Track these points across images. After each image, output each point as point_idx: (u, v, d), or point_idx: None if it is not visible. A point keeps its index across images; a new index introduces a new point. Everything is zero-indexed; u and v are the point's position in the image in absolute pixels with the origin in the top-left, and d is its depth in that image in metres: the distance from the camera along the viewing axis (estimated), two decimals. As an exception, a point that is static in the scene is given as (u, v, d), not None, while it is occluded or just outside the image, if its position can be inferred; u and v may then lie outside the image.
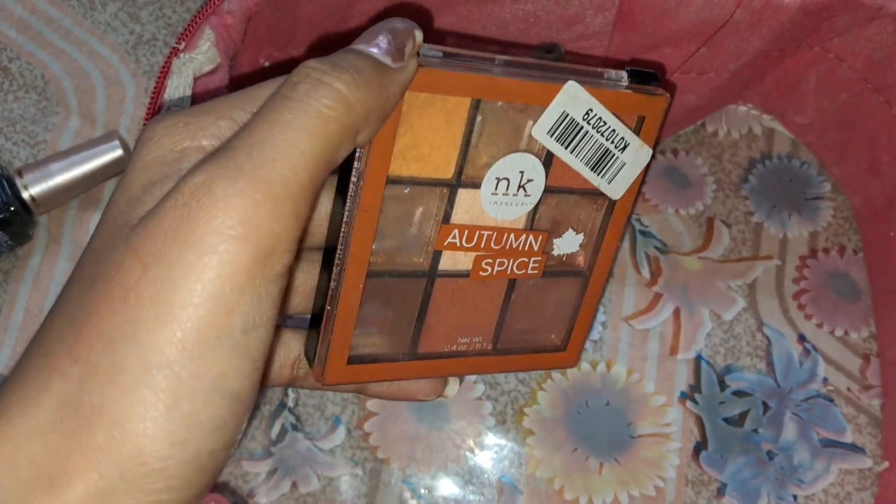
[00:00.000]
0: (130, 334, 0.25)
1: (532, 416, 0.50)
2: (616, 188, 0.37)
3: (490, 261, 0.36)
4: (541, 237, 0.37)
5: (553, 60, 0.47)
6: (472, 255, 0.36)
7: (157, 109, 0.42)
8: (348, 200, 0.32)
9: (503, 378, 0.50)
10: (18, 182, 0.50)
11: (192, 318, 0.25)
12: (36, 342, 0.27)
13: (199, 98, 0.42)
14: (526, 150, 0.35)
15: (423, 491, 0.48)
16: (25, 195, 0.50)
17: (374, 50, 0.29)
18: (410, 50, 0.30)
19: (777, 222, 0.53)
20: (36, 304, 0.51)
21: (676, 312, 0.51)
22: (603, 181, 0.36)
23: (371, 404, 0.50)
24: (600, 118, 0.35)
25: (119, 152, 0.51)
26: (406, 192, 0.34)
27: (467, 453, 0.49)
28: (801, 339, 0.51)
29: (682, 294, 0.52)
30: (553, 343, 0.40)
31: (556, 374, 0.50)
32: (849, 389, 0.51)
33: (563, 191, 0.36)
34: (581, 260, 0.39)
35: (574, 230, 0.38)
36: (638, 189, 0.38)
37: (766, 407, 0.50)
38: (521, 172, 0.35)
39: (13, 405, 0.26)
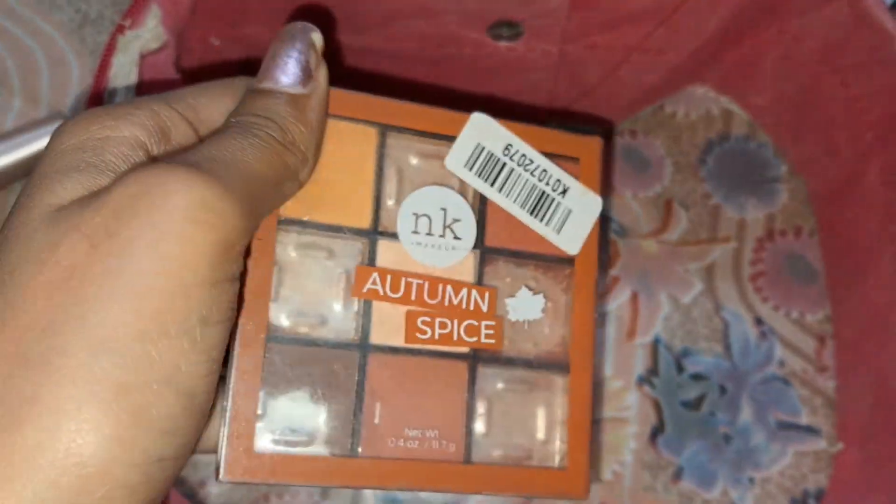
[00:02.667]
0: (75, 315, 0.23)
1: (489, 401, 0.49)
2: (569, 241, 0.34)
3: (427, 319, 0.32)
4: (487, 293, 0.33)
5: (510, 39, 0.47)
6: (403, 309, 0.32)
7: (102, 88, 0.41)
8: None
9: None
10: (-41, 164, 0.49)
11: (148, 299, 0.23)
12: None
13: (145, 75, 0.41)
14: (444, 185, 0.33)
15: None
16: (-34, 178, 0.49)
17: (285, 84, 0.29)
18: (315, 61, 0.30)
19: (734, 204, 0.53)
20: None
21: (634, 296, 0.51)
22: (549, 230, 0.34)
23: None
24: (524, 155, 0.33)
25: (64, 133, 0.50)
26: (310, 239, 0.31)
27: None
28: (758, 321, 0.51)
29: (640, 278, 0.51)
30: (548, 458, 0.34)
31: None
32: (804, 371, 0.51)
33: (508, 249, 0.34)
34: (556, 347, 0.34)
35: (530, 289, 0.34)
36: (598, 249, 0.35)
37: (722, 390, 0.50)
38: (444, 210, 0.33)
39: None
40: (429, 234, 0.32)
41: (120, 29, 0.41)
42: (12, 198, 0.51)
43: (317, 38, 0.30)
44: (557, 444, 0.33)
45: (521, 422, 0.33)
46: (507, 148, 0.33)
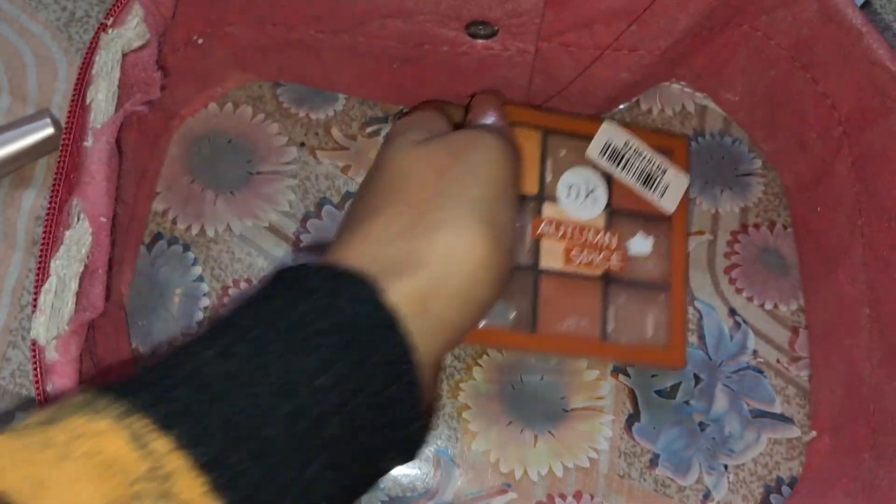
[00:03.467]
0: (449, 191, 0.38)
1: (467, 391, 0.50)
2: (668, 203, 0.51)
3: (577, 251, 0.49)
4: (616, 235, 0.50)
5: (486, 38, 0.48)
6: (562, 245, 0.49)
7: (84, 85, 0.42)
8: None
9: (440, 354, 0.51)
10: (-52, 161, 0.50)
11: (487, 186, 0.39)
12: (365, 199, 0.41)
13: (127, 73, 0.42)
14: (586, 166, 0.51)
15: (359, 466, 0.48)
16: (-45, 174, 0.50)
17: (490, 121, 0.47)
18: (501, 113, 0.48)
19: (709, 198, 0.54)
20: (-32, 285, 0.50)
21: (611, 288, 0.53)
22: (655, 196, 0.51)
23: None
24: (637, 147, 0.51)
25: (50, 130, 0.51)
26: None
27: (404, 428, 0.49)
28: (732, 312, 0.52)
29: (617, 270, 0.53)
30: (657, 342, 0.49)
31: (491, 351, 0.51)
32: (778, 361, 0.52)
33: (628, 209, 0.51)
34: (660, 275, 0.50)
35: (644, 233, 0.51)
36: (686, 209, 0.51)
37: (697, 379, 0.51)
38: (586, 181, 0.50)
39: (373, 226, 0.37)
40: (577, 197, 0.50)
41: (102, 27, 0.42)
42: (1, 193, 0.52)
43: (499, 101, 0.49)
44: (662, 335, 0.49)
45: (637, 322, 0.50)
46: (626, 143, 0.51)
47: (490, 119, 0.47)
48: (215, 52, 0.51)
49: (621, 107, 0.56)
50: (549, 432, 0.50)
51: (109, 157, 0.40)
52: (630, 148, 0.50)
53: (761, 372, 0.51)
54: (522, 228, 0.49)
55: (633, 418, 0.50)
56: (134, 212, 0.50)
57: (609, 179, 0.51)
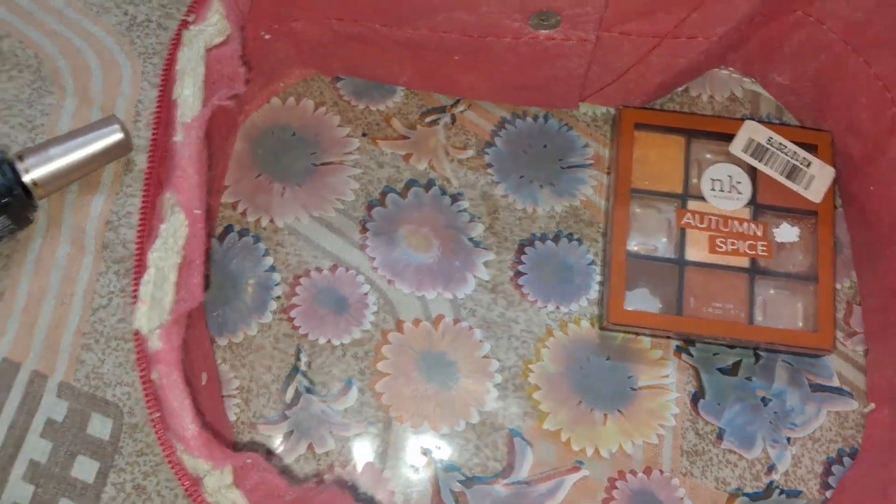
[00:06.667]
0: None
1: (537, 372, 0.51)
2: (814, 194, 0.53)
3: (722, 240, 0.52)
4: (762, 225, 0.52)
5: (549, 28, 0.49)
6: (706, 234, 0.52)
7: (170, 82, 0.43)
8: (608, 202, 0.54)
9: (507, 337, 0.52)
10: (19, 166, 0.50)
11: None
12: None
13: (211, 69, 0.43)
14: (729, 162, 0.54)
15: (435, 447, 0.50)
16: (27, 179, 0.50)
17: None
18: None
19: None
20: (38, 288, 0.51)
21: (670, 269, 0.54)
22: (800, 187, 0.53)
23: (382, 365, 0.51)
24: (781, 143, 0.53)
25: (119, 136, 0.52)
26: (647, 201, 0.53)
27: (476, 409, 0.51)
28: (789, 290, 0.54)
29: (675, 252, 0.54)
30: (806, 328, 0.51)
31: (557, 332, 0.52)
32: (835, 336, 0.53)
33: (773, 203, 0.53)
34: (808, 266, 0.52)
35: (789, 224, 0.53)
36: (833, 201, 0.53)
37: (757, 357, 0.52)
38: (730, 176, 0.53)
39: None
40: (721, 190, 0.53)
41: (184, 24, 0.43)
42: (69, 199, 0.53)
43: None
44: (811, 323, 0.51)
45: (787, 313, 0.52)
46: (769, 139, 0.53)
47: None
48: (280, 47, 0.53)
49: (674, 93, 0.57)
50: (619, 411, 0.51)
51: (199, 150, 0.42)
52: (773, 143, 0.53)
53: (819, 347, 0.53)
54: (667, 221, 0.53)
55: (697, 395, 0.52)
56: (207, 205, 0.51)
57: (754, 175, 0.53)
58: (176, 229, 0.41)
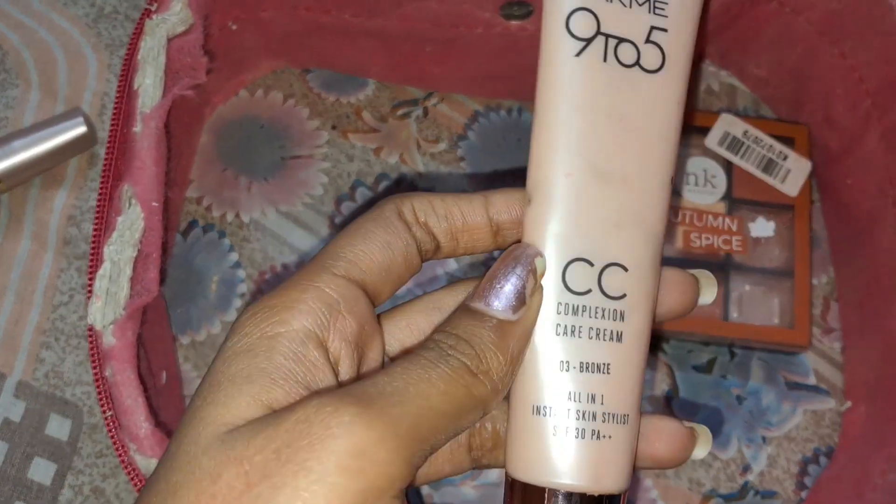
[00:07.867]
0: None
1: (509, 370, 0.51)
2: (790, 187, 0.52)
3: (696, 234, 0.51)
4: (736, 219, 0.52)
5: (520, 18, 0.48)
6: (680, 229, 0.51)
7: (131, 71, 0.42)
8: None
9: None
10: (-20, 158, 0.49)
11: None
12: None
13: (173, 58, 0.42)
14: (704, 156, 0.53)
15: None
16: (-13, 171, 0.49)
17: (495, 309, 0.28)
18: (532, 287, 0.29)
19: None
20: (-1, 283, 0.50)
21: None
22: (776, 181, 0.52)
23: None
24: (757, 136, 0.52)
25: (83, 129, 0.51)
26: None
27: None
28: (765, 286, 0.53)
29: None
30: (783, 324, 0.51)
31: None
32: (811, 333, 0.52)
33: (748, 196, 0.52)
34: (783, 262, 0.51)
35: (765, 218, 0.52)
36: (810, 195, 0.52)
37: (732, 354, 0.52)
38: (705, 170, 0.52)
39: None
40: (696, 184, 0.52)
41: (146, 13, 0.42)
42: (32, 193, 0.52)
43: (540, 263, 0.29)
44: (787, 319, 0.50)
45: (762, 309, 0.51)
46: (745, 132, 0.52)
47: (498, 304, 0.29)
48: (248, 38, 0.52)
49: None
50: (591, 408, 0.50)
51: (158, 141, 0.41)
52: (749, 136, 0.52)
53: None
54: None
55: (671, 394, 0.51)
56: (169, 199, 0.50)
57: (729, 169, 0.52)
58: (132, 222, 0.40)
